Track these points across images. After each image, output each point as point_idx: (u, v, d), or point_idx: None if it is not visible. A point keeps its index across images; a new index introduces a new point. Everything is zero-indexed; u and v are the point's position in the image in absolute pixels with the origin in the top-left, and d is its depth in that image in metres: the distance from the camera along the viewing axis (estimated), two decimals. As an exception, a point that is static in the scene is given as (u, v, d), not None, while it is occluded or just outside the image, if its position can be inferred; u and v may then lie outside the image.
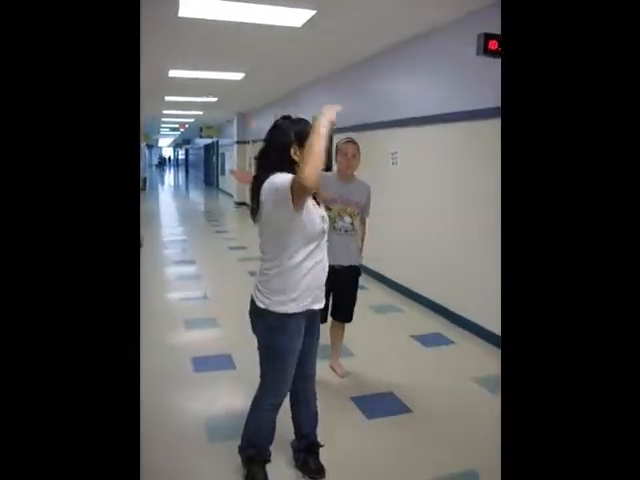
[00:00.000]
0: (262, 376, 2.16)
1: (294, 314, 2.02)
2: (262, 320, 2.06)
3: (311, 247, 1.99)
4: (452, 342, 4.08)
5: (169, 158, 49.31)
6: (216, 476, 2.34)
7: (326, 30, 4.76)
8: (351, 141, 3.15)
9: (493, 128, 3.74)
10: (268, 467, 2.26)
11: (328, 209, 2.16)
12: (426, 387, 3.28)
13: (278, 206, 1.86)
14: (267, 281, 2.02)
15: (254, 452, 2.25)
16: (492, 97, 3.72)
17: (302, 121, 2.00)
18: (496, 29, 3.24)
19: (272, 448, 2.29)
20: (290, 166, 1.92)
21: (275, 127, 2.02)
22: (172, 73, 7.22)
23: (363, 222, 3.31)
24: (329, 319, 3.23)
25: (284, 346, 2.07)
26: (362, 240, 3.35)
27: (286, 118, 2.04)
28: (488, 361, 3.63)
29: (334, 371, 3.37)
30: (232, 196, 15.16)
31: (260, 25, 4.53)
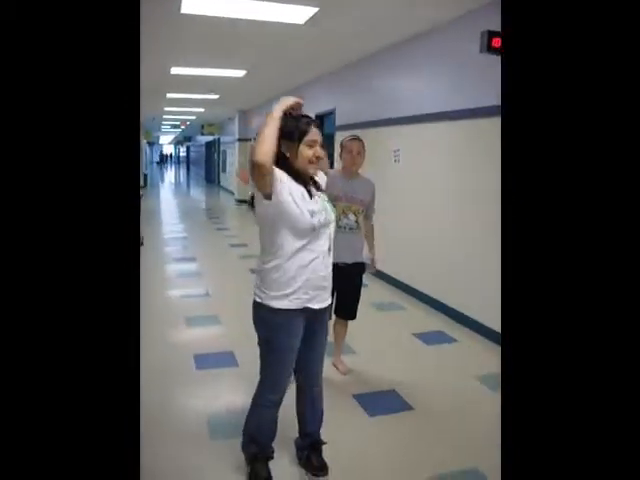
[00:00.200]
0: (261, 372, 2.16)
1: (289, 310, 2.02)
2: (259, 314, 2.08)
3: (303, 242, 1.97)
4: (454, 340, 4.09)
5: (170, 155, 49.29)
6: (218, 473, 2.34)
7: (328, 27, 4.76)
8: (356, 138, 3.15)
9: (495, 126, 3.73)
10: (271, 464, 2.27)
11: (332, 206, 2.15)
12: (428, 385, 3.28)
13: (256, 196, 1.96)
14: (263, 275, 2.05)
15: (257, 449, 2.25)
16: (494, 95, 3.71)
17: (294, 118, 2.01)
18: (498, 27, 3.23)
19: (275, 445, 2.30)
20: (282, 161, 1.98)
21: None
22: (174, 70, 7.22)
23: (370, 220, 3.31)
24: (332, 316, 3.23)
25: (280, 342, 2.07)
26: (372, 239, 3.36)
27: (285, 115, 2.04)
28: (489, 359, 3.63)
29: (336, 368, 3.37)
30: (233, 193, 15.17)
31: (262, 22, 4.52)
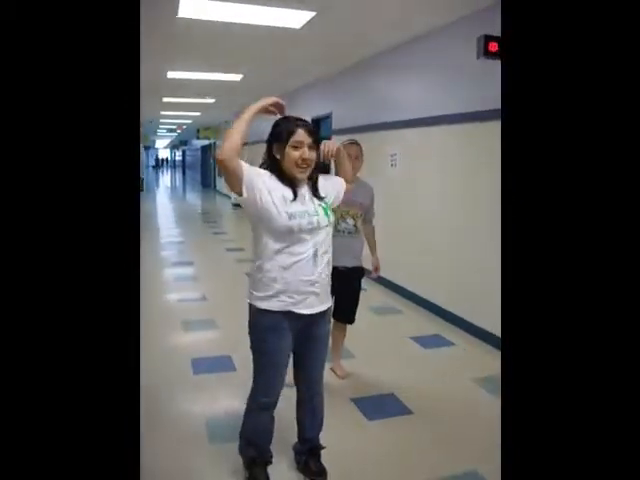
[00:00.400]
0: (253, 375, 2.16)
1: (273, 312, 2.01)
2: (249, 314, 2.09)
3: (282, 244, 1.97)
4: (451, 343, 4.09)
5: (166, 159, 49.20)
6: (216, 478, 2.33)
7: (325, 32, 4.77)
8: (354, 143, 3.16)
9: (491, 130, 3.75)
10: (270, 469, 2.26)
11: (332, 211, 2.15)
12: (426, 388, 3.28)
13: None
14: (251, 275, 2.07)
15: (255, 453, 2.24)
16: (490, 99, 3.73)
17: (285, 119, 2.02)
18: (494, 31, 3.25)
19: (274, 450, 2.29)
20: (273, 163, 2.01)
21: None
22: (170, 74, 7.22)
23: (370, 223, 3.32)
24: (331, 320, 3.22)
25: (268, 343, 2.06)
26: (374, 243, 3.36)
27: (285, 118, 2.06)
28: (487, 362, 3.64)
29: (334, 373, 3.36)
30: (229, 197, 15.15)
31: (259, 26, 4.53)
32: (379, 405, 3.02)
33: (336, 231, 3.02)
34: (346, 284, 3.12)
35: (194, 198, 19.43)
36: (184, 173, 36.51)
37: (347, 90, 6.73)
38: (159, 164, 47.22)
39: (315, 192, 2.08)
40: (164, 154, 48.82)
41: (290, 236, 1.96)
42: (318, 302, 2.08)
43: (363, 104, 6.18)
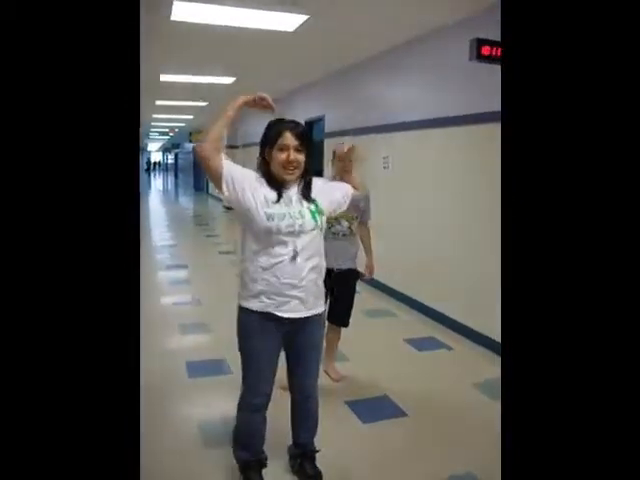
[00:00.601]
0: (242, 376, 2.17)
1: (254, 312, 2.03)
2: (237, 314, 2.12)
3: (261, 245, 1.98)
4: (445, 346, 4.10)
5: (158, 163, 48.97)
6: (212, 482, 2.32)
7: (318, 35, 4.78)
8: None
9: (485, 132, 3.78)
10: (265, 472, 2.25)
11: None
12: (421, 391, 3.28)
13: None
14: (239, 275, 2.12)
15: (248, 456, 2.23)
16: (484, 102, 3.75)
17: (278, 121, 2.05)
18: (488, 34, 3.27)
19: (269, 453, 2.28)
20: (264, 165, 2.04)
21: None
22: (163, 77, 7.20)
23: (365, 226, 3.32)
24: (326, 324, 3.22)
25: (252, 343, 2.08)
26: (369, 245, 3.36)
27: (276, 121, 2.07)
28: (482, 364, 3.65)
29: (329, 375, 3.36)
30: (222, 201, 15.12)
31: (252, 29, 4.53)
32: (373, 408, 3.02)
33: (331, 233, 3.03)
34: (341, 286, 3.13)
35: (186, 201, 19.38)
36: (176, 176, 36.35)
37: (340, 93, 6.75)
38: (151, 167, 46.96)
39: (305, 194, 2.06)
40: (156, 157, 48.60)
41: (269, 237, 1.96)
42: (302, 307, 2.05)
43: (356, 107, 6.20)
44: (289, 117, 2.10)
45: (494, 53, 3.26)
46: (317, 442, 2.35)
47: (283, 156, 1.97)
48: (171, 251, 8.25)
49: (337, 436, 2.69)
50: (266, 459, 2.28)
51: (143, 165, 43.64)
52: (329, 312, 3.17)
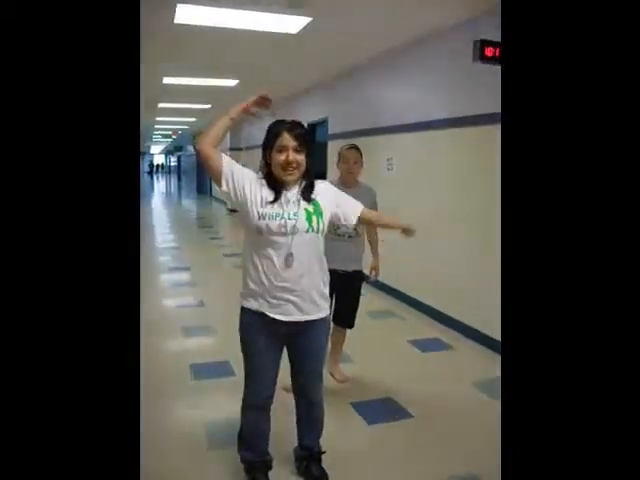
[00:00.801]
0: (244, 377, 2.18)
1: (249, 310, 2.06)
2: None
3: (255, 245, 2.01)
4: (450, 347, 4.09)
5: (161, 165, 49.00)
6: (217, 484, 2.32)
7: (321, 37, 4.79)
8: (353, 147, 3.18)
9: (488, 134, 3.77)
10: (270, 474, 2.25)
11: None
12: (425, 392, 3.27)
13: None
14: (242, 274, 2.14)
15: (253, 456, 2.23)
16: (487, 103, 3.75)
17: (279, 122, 2.05)
18: (490, 35, 3.27)
19: (274, 455, 2.28)
20: (265, 167, 2.04)
21: None
22: (166, 80, 7.22)
23: (374, 227, 3.31)
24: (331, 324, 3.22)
25: (251, 343, 2.10)
26: (376, 246, 3.37)
27: (276, 122, 2.07)
28: (486, 365, 3.64)
29: (333, 377, 3.35)
30: (225, 204, 15.13)
31: (255, 32, 4.54)
32: (378, 409, 3.01)
33: (336, 235, 3.03)
34: (346, 288, 3.13)
35: (189, 204, 19.41)
36: (179, 179, 36.42)
37: (343, 95, 6.75)
38: (153, 170, 46.96)
39: (305, 195, 2.03)
40: (159, 160, 48.63)
41: (261, 237, 1.97)
42: (297, 311, 2.02)
43: (359, 108, 6.20)
44: (292, 119, 2.10)
45: (498, 54, 3.26)
46: (322, 443, 2.35)
47: (282, 157, 1.96)
48: (174, 253, 8.25)
49: (343, 437, 2.68)
50: (271, 461, 2.28)
51: (145, 168, 43.71)
52: (334, 314, 3.17)
